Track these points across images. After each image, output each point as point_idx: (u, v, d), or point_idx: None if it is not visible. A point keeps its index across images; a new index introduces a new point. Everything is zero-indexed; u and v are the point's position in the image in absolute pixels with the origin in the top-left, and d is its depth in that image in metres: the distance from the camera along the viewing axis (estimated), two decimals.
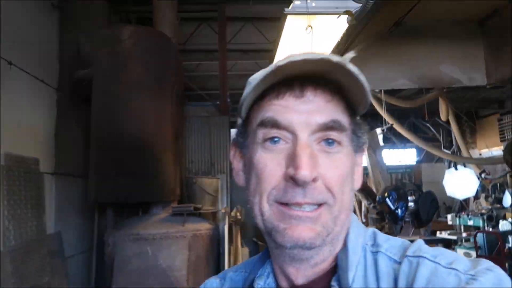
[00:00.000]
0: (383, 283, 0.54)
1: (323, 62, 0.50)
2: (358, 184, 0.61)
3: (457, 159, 6.54)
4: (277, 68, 0.50)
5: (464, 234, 6.36)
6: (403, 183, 3.85)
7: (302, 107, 0.53)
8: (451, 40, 1.76)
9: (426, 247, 0.55)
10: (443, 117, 6.59)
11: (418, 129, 10.39)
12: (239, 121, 0.62)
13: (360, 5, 1.68)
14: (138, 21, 4.50)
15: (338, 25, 1.92)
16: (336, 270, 0.56)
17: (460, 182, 7.90)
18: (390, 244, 0.58)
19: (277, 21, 2.39)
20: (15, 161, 2.29)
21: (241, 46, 5.88)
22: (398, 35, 1.67)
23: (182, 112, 3.72)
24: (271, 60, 3.65)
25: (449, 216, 8.55)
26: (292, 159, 0.52)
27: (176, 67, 3.14)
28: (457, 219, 7.92)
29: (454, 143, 9.36)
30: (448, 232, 7.67)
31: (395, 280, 0.53)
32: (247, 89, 0.55)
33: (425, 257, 0.53)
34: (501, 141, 9.09)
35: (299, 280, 0.57)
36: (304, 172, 0.50)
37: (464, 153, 7.53)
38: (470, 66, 1.75)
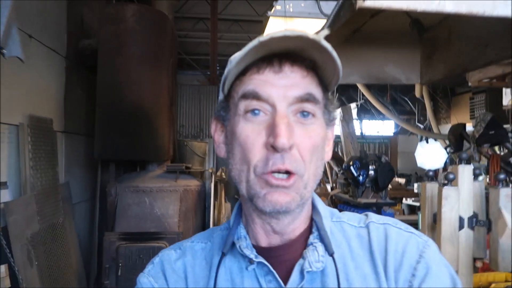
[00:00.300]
0: (354, 243, 0.64)
1: (301, 38, 0.54)
2: (328, 155, 0.66)
3: (423, 133, 7.16)
4: (260, 43, 0.53)
5: None
6: (366, 154, 4.37)
7: (280, 81, 0.58)
8: (396, 47, 2.21)
9: (379, 216, 0.67)
10: (417, 93, 7.11)
11: (396, 103, 10.92)
12: (221, 96, 0.65)
13: (329, 14, 2.10)
14: None
15: (311, 27, 2.31)
16: (310, 231, 0.64)
17: (430, 155, 8.57)
18: (348, 216, 0.68)
19: None
20: (36, 122, 2.72)
21: (231, 17, 6.16)
22: (356, 40, 2.11)
23: (175, 81, 4.13)
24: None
25: (415, 185, 9.33)
26: (271, 129, 0.56)
27: (172, 43, 3.53)
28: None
29: (427, 118, 9.96)
30: (413, 199, 8.47)
31: (369, 242, 0.63)
32: (229, 66, 0.58)
33: (389, 224, 0.64)
34: (470, 118, 9.75)
35: (277, 240, 0.63)
36: (283, 140, 0.55)
37: (434, 128, 8.14)
38: (408, 68, 2.22)
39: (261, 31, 4.78)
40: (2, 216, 2.24)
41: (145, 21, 3.21)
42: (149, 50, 3.24)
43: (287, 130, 0.56)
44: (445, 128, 11.20)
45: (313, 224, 0.64)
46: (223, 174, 3.76)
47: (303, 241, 0.63)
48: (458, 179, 1.61)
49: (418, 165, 10.02)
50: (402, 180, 9.71)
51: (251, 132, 0.58)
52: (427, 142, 8.56)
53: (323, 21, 2.22)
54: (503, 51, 1.65)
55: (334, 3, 1.74)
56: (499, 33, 1.59)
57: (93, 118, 3.37)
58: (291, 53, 0.58)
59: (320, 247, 0.62)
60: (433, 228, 1.66)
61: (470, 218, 1.56)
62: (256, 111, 0.58)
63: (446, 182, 1.56)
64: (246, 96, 0.59)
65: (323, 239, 0.62)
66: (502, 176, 1.46)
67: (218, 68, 5.22)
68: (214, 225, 3.64)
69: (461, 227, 1.58)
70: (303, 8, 2.38)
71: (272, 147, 0.56)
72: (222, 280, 0.62)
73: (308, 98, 0.59)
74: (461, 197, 1.58)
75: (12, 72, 2.39)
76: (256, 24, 6.14)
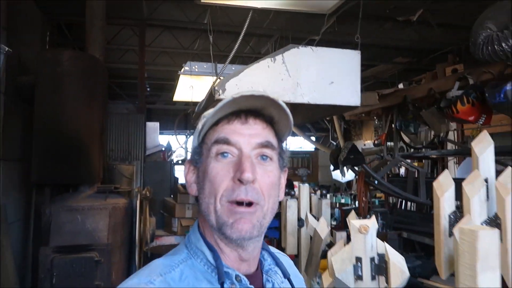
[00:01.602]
0: (279, 263, 0.83)
1: (263, 97, 0.70)
2: (281, 196, 0.80)
3: (326, 150, 8.33)
4: (233, 100, 0.69)
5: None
6: None
7: (246, 131, 0.73)
8: None
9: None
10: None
11: (316, 122, 12.22)
12: (195, 143, 0.78)
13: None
14: (67, 27, 5.22)
15: (210, 83, 3.05)
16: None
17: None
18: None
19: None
20: None
21: (160, 49, 6.78)
22: None
23: (106, 111, 4.68)
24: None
25: (328, 195, 10.55)
26: (238, 166, 0.70)
27: (103, 81, 4.12)
28: (334, 197, 10.00)
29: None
30: None
31: (284, 264, 0.83)
32: (203, 121, 0.74)
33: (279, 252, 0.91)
34: (374, 136, 11.33)
35: (246, 269, 0.76)
36: (247, 174, 0.69)
37: (342, 145, 9.43)
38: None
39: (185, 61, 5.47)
40: None
41: (79, 64, 3.78)
42: (83, 88, 3.81)
43: (251, 167, 0.70)
44: (358, 144, 12.74)
45: (264, 252, 0.81)
46: (147, 192, 4.37)
47: (260, 267, 0.79)
48: (300, 194, 2.45)
49: (333, 178, 11.36)
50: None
51: (220, 169, 0.71)
52: None
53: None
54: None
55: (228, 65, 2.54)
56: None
57: (28, 145, 3.82)
58: (254, 110, 0.74)
59: (278, 271, 0.80)
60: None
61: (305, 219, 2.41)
62: (226, 154, 0.72)
63: (290, 196, 2.40)
64: (218, 141, 0.73)
65: (278, 265, 0.81)
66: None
67: (148, 92, 5.76)
68: (140, 236, 4.23)
69: (301, 225, 2.42)
70: (205, 68, 3.12)
71: (239, 180, 0.69)
72: None
73: (267, 145, 0.74)
74: (301, 205, 2.42)
75: None
76: (182, 55, 6.80)
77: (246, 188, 0.69)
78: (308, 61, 1.86)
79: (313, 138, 14.03)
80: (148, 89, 8.89)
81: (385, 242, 1.33)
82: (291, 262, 0.92)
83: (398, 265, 1.28)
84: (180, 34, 6.18)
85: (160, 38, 6.34)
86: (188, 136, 7.25)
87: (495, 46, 2.24)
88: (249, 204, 0.70)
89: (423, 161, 6.72)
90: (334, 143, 11.00)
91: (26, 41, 4.21)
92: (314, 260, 2.00)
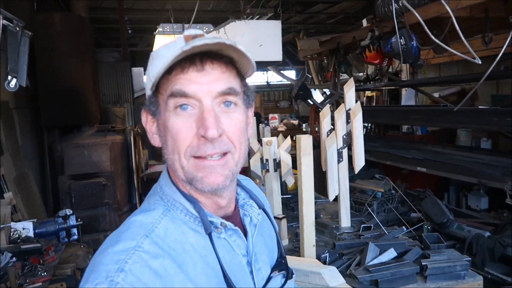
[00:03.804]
0: (253, 195, 0.84)
1: (219, 44, 0.63)
2: (250, 132, 0.78)
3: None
4: (183, 52, 0.62)
5: None
6: None
7: (203, 78, 0.66)
8: None
9: None
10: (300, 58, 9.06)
11: (294, 56, 12.80)
12: (149, 92, 0.71)
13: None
14: None
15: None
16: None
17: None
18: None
19: None
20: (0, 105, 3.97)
21: None
22: None
23: (95, 61, 5.40)
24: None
25: (304, 125, 11.49)
26: (201, 122, 0.66)
27: (91, 36, 4.80)
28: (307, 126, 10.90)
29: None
30: None
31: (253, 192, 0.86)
32: (154, 67, 0.67)
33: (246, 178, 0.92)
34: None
35: (224, 211, 0.76)
36: (212, 131, 0.65)
37: (315, 80, 10.22)
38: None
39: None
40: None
41: (68, 24, 4.45)
42: (74, 45, 4.51)
43: (215, 122, 0.66)
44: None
45: (237, 187, 0.81)
46: (139, 129, 5.27)
47: (235, 204, 0.80)
48: None
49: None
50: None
51: (182, 125, 0.67)
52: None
53: None
54: None
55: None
56: None
57: (33, 94, 4.60)
58: (211, 52, 0.66)
59: (253, 204, 0.81)
60: None
61: None
62: (185, 106, 0.67)
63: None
64: (174, 94, 0.66)
65: (252, 198, 0.82)
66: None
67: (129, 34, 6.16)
68: (136, 165, 5.21)
69: None
70: (175, 28, 3.78)
71: (203, 137, 0.66)
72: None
73: (229, 92, 0.68)
74: None
75: None
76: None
77: (213, 143, 0.67)
78: (242, 30, 2.64)
79: (293, 71, 14.73)
80: (129, 31, 9.35)
81: (280, 149, 2.27)
82: (255, 185, 0.93)
83: (286, 161, 2.24)
84: None
85: None
86: None
87: (385, 8, 3.04)
88: (219, 154, 0.68)
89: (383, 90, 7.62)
90: (310, 76, 11.68)
91: (16, 3, 4.78)
92: None
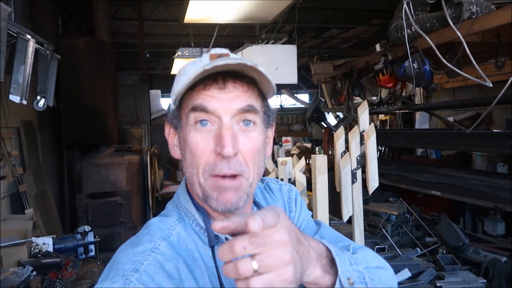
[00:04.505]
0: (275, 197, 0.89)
1: (241, 65, 0.65)
2: (269, 152, 0.79)
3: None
4: (204, 71, 0.64)
5: None
6: None
7: (224, 96, 0.68)
8: None
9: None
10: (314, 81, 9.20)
11: (307, 80, 12.99)
12: (172, 106, 0.75)
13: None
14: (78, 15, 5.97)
15: None
16: None
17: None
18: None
19: None
20: (25, 125, 4.14)
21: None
22: None
23: (116, 83, 5.60)
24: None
25: (316, 148, 11.53)
26: (218, 139, 0.67)
27: (112, 59, 5.00)
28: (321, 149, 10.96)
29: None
30: None
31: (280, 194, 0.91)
32: (179, 82, 0.70)
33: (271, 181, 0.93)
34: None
35: None
36: (228, 149, 0.66)
37: (328, 103, 10.31)
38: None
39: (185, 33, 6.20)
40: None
41: (92, 48, 4.66)
42: (96, 68, 4.71)
43: (231, 140, 0.67)
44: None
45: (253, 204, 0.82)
46: (155, 150, 5.39)
47: None
48: None
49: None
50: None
51: (200, 141, 0.69)
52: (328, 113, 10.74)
53: None
54: None
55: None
56: None
57: (55, 115, 4.78)
58: (233, 71, 0.68)
59: None
60: None
61: None
62: (204, 122, 0.69)
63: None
64: (195, 109, 0.69)
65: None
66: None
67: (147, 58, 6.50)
68: (151, 185, 5.30)
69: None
70: (193, 52, 3.93)
71: (220, 154, 0.67)
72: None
73: (248, 109, 0.69)
74: None
75: None
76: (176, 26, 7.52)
77: (228, 162, 0.68)
78: (259, 54, 2.75)
79: (306, 95, 14.86)
80: (147, 55, 9.68)
81: (295, 169, 2.32)
82: (284, 195, 0.94)
83: (300, 181, 2.28)
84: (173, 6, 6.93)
85: (157, 11, 7.07)
86: None
87: (398, 33, 3.12)
88: (233, 176, 0.69)
89: (396, 114, 7.64)
90: (324, 100, 11.77)
91: (45, 28, 5.03)
92: None
